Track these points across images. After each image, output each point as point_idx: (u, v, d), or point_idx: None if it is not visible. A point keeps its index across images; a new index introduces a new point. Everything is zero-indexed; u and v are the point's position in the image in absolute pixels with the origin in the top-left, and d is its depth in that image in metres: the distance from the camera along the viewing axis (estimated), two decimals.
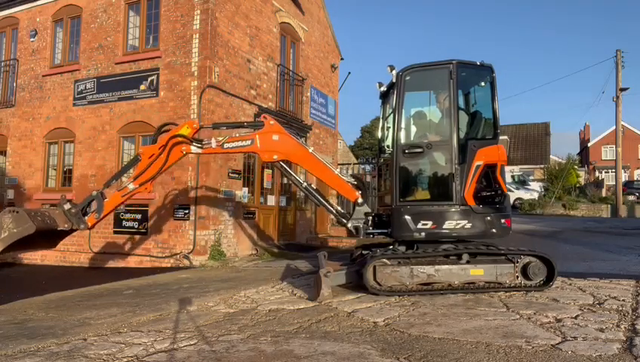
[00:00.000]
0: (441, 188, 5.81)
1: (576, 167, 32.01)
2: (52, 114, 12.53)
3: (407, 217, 5.67)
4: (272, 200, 12.76)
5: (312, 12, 15.24)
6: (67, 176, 12.38)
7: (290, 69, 13.93)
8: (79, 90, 12.06)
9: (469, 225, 5.60)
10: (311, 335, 3.96)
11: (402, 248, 5.81)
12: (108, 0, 11.84)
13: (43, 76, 12.76)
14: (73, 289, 7.58)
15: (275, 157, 6.35)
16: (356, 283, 5.67)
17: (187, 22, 10.74)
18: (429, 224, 5.63)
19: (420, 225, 5.64)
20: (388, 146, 6.57)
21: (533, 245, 8.93)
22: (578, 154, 50.09)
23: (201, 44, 10.54)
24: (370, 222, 6.19)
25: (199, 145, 6.66)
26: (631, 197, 29.40)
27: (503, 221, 5.69)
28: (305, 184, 6.52)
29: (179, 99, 10.67)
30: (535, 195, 26.41)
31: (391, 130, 6.13)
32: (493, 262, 5.41)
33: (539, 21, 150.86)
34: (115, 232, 11.15)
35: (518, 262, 5.37)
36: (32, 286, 8.55)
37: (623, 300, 4.74)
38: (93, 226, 6.94)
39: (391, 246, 5.89)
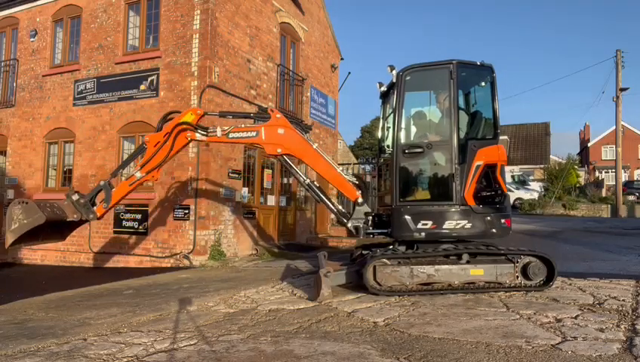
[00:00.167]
0: (441, 188, 5.81)
1: (576, 167, 32.00)
2: (52, 114, 12.53)
3: (407, 217, 5.67)
4: (272, 200, 12.76)
5: (312, 12, 15.24)
6: (67, 176, 12.38)
7: (290, 68, 13.93)
8: (79, 90, 12.06)
9: (469, 225, 5.60)
10: (311, 335, 3.96)
11: (402, 248, 5.81)
12: (108, 0, 11.84)
13: (43, 76, 12.76)
14: (73, 289, 7.57)
15: (279, 150, 6.36)
16: (356, 283, 5.67)
17: (187, 22, 10.74)
18: (429, 224, 5.63)
19: (420, 225, 5.64)
20: (388, 146, 6.56)
21: (533, 245, 8.93)
22: (578, 154, 50.08)
23: (201, 44, 10.54)
24: (370, 222, 6.19)
25: (204, 133, 6.66)
26: (631, 197, 29.41)
27: (503, 221, 5.69)
28: (307, 181, 6.51)
29: (179, 99, 10.66)
30: (535, 195, 26.41)
31: (391, 130, 6.12)
32: (493, 262, 5.41)
33: (539, 21, 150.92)
34: (115, 232, 11.15)
35: (518, 262, 5.37)
36: (32, 286, 8.55)
37: (623, 300, 4.73)
38: (102, 216, 6.98)
39: (391, 246, 5.89)
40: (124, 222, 11.03)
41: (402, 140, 5.90)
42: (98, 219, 6.96)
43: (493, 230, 5.65)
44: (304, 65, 14.62)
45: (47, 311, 5.87)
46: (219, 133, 6.57)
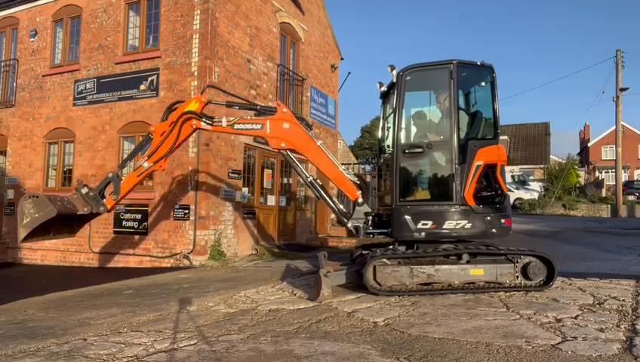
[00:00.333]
0: (441, 188, 5.80)
1: (576, 167, 31.99)
2: (52, 114, 12.53)
3: (407, 217, 5.67)
4: (272, 200, 12.76)
5: (312, 12, 15.24)
6: (67, 176, 12.38)
7: (290, 68, 13.93)
8: (79, 90, 12.06)
9: (469, 225, 5.60)
10: (311, 335, 3.96)
11: (402, 248, 5.81)
12: (108, 0, 11.84)
13: (43, 76, 12.76)
14: (73, 289, 7.57)
15: (283, 145, 6.38)
16: (356, 283, 5.67)
17: (187, 22, 10.74)
18: (429, 224, 5.63)
19: (420, 225, 5.63)
20: (388, 146, 6.56)
21: (533, 245, 8.93)
22: (578, 154, 50.06)
23: (201, 44, 10.54)
24: (370, 222, 6.18)
25: (209, 122, 6.70)
26: (631, 197, 29.42)
27: (503, 221, 5.69)
28: (310, 178, 6.50)
29: (179, 99, 10.64)
30: (535, 195, 26.41)
31: (391, 130, 6.12)
32: (493, 262, 5.41)
33: (539, 21, 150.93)
34: (115, 232, 11.15)
35: (518, 262, 5.37)
36: (32, 286, 8.55)
37: (623, 300, 4.73)
38: (112, 208, 7.00)
39: (391, 246, 5.88)
40: (124, 222, 11.03)
41: (402, 140, 5.90)
42: (108, 211, 6.99)
43: (493, 230, 5.65)
44: (304, 65, 14.62)
45: (47, 311, 5.87)
46: (224, 123, 6.61)
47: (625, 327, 3.80)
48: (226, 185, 10.87)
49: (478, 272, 5.32)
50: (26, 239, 6.34)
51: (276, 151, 6.62)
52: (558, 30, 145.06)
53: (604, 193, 30.61)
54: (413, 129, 6.39)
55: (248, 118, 6.68)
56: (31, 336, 4.39)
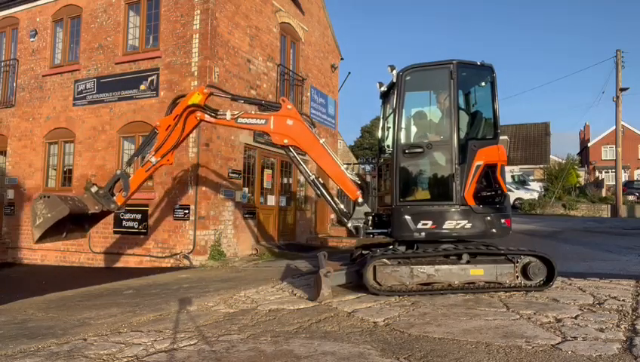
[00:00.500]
0: (441, 188, 5.80)
1: (576, 167, 32.00)
2: (52, 114, 12.53)
3: (407, 217, 5.67)
4: (272, 200, 12.77)
5: (312, 12, 15.24)
6: (67, 176, 12.38)
7: (290, 68, 13.93)
8: (79, 90, 12.06)
9: (469, 225, 5.59)
10: (311, 335, 3.96)
11: (402, 248, 5.81)
12: (108, 0, 11.84)
13: (43, 76, 12.76)
14: (73, 289, 7.57)
15: (286, 141, 6.38)
16: (356, 283, 5.67)
17: (187, 22, 10.74)
18: (429, 224, 5.62)
19: (420, 225, 5.63)
20: (388, 146, 6.56)
21: (533, 245, 8.93)
22: (578, 154, 50.06)
23: (201, 44, 10.53)
24: (370, 222, 6.18)
25: (213, 115, 6.71)
26: (631, 197, 29.42)
27: (503, 221, 5.69)
28: (313, 176, 6.49)
29: None
30: (535, 195, 26.42)
31: (391, 130, 6.12)
32: (493, 262, 5.41)
33: (539, 21, 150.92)
34: (115, 232, 11.15)
35: (518, 262, 5.36)
36: (32, 286, 8.55)
37: (623, 300, 4.73)
38: (122, 205, 7.00)
39: (391, 246, 5.88)
40: (124, 222, 11.03)
41: (402, 140, 5.90)
42: (119, 209, 6.99)
43: (493, 230, 5.64)
44: (304, 65, 14.62)
45: (47, 311, 5.87)
46: (228, 116, 6.62)
47: (625, 327, 3.80)
48: (226, 185, 10.87)
49: (478, 272, 5.32)
50: (40, 240, 6.36)
51: (279, 147, 6.62)
52: (558, 30, 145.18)
53: (604, 193, 30.62)
54: (413, 129, 6.38)
55: (253, 112, 6.68)
56: (31, 336, 4.39)
